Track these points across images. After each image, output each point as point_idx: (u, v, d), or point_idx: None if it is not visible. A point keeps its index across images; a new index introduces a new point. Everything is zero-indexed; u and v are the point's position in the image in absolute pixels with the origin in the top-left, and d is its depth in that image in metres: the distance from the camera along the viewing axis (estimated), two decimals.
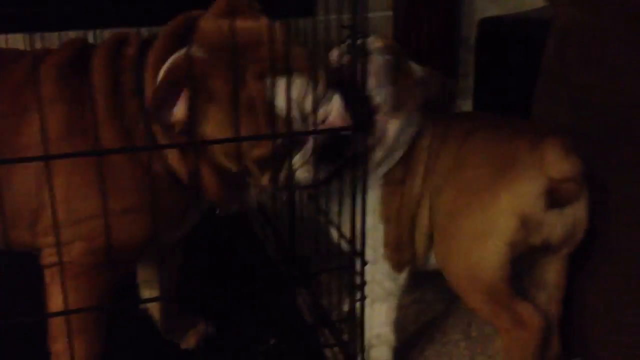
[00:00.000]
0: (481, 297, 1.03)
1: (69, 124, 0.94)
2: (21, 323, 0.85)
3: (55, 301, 0.95)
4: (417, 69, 1.15)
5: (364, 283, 1.08)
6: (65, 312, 0.92)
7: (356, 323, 1.09)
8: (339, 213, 1.11)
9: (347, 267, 1.08)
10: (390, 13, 2.31)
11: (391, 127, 1.09)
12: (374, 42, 1.13)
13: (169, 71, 0.91)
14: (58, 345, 0.97)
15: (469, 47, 2.24)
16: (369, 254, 1.07)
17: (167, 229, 1.01)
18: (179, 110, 0.90)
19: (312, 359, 1.19)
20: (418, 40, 2.31)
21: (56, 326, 0.96)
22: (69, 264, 0.94)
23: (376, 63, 1.09)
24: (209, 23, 0.95)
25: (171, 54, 0.93)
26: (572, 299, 1.08)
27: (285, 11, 0.99)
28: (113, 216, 0.91)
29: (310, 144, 0.96)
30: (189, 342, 1.25)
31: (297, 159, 0.97)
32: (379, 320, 1.17)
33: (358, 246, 1.04)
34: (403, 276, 1.16)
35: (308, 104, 0.94)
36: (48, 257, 0.96)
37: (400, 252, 1.14)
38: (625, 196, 0.97)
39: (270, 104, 0.91)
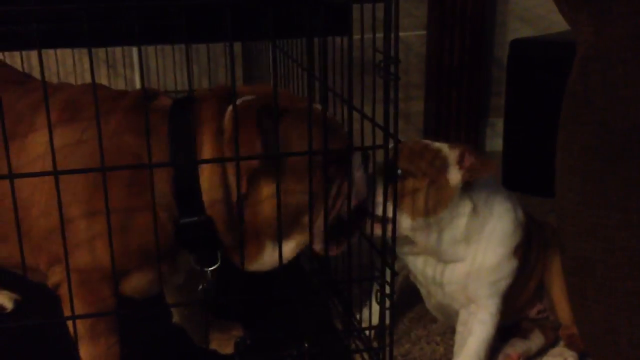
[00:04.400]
0: None
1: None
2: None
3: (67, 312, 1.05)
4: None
5: (393, 292, 1.15)
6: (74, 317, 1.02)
7: (385, 330, 1.16)
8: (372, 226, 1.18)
9: (378, 277, 1.15)
10: (423, 32, 2.37)
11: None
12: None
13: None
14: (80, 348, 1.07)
15: (502, 67, 2.29)
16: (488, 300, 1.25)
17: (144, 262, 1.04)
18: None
19: None
20: (451, 58, 2.36)
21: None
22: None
23: None
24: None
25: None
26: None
27: (323, 30, 1.04)
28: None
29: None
30: (229, 347, 1.27)
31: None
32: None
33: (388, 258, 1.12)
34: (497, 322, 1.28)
35: None
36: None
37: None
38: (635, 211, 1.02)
39: None
